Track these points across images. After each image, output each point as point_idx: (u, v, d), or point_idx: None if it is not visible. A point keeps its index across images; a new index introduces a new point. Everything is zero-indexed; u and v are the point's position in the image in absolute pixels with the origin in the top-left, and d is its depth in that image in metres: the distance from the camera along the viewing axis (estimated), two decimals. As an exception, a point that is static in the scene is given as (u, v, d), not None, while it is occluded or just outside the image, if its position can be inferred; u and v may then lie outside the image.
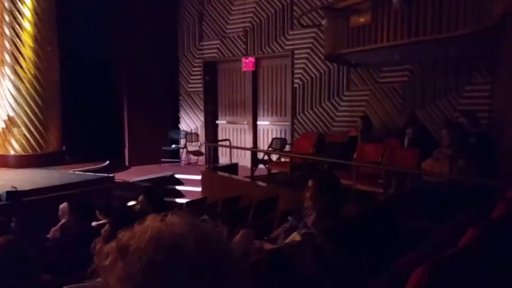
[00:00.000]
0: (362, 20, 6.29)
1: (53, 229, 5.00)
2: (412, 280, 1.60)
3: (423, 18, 5.58)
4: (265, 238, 3.28)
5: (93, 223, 4.92)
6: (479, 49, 6.58)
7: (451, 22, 5.32)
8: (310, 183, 3.24)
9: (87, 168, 9.38)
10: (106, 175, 8.73)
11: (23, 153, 9.54)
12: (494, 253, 2.34)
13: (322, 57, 8.25)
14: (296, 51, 8.96)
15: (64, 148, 10.26)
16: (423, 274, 1.57)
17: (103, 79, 10.73)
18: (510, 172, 4.35)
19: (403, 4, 5.66)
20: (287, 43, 9.09)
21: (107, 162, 9.98)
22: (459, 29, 5.26)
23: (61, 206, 5.32)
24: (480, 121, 6.11)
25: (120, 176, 9.16)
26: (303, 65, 8.90)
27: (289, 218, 3.37)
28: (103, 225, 4.86)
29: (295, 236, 2.89)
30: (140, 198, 4.92)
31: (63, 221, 5.07)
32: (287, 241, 2.97)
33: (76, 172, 8.96)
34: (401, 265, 2.17)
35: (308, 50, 8.80)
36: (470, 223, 2.34)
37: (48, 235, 4.92)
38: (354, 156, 6.51)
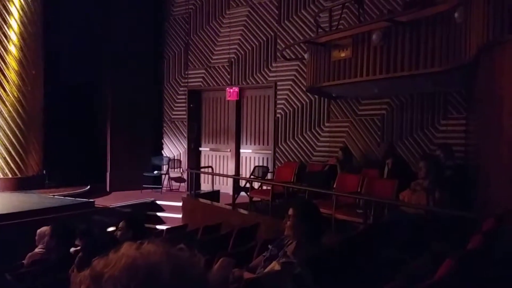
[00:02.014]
0: (342, 55, 6.51)
1: (29, 254, 4.91)
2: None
3: (401, 54, 5.81)
4: (245, 266, 3.31)
5: (72, 249, 4.85)
6: (454, 86, 6.85)
7: (428, 59, 5.54)
8: (290, 211, 3.29)
9: (67, 192, 9.26)
10: (86, 200, 8.63)
11: (2, 176, 9.38)
12: (469, 285, 2.42)
13: (304, 89, 8.45)
14: (279, 83, 9.16)
15: (44, 172, 10.13)
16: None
17: (87, 104, 10.75)
18: (485, 204, 4.48)
19: (382, 41, 5.90)
20: (270, 74, 9.30)
21: (88, 187, 9.88)
22: (435, 66, 5.49)
23: (39, 230, 5.23)
24: (456, 154, 6.30)
25: (100, 202, 9.06)
26: (285, 96, 9.09)
27: (269, 246, 3.41)
28: (81, 250, 4.81)
29: (275, 265, 2.92)
30: (121, 224, 4.89)
31: (40, 246, 4.99)
32: (266, 270, 3.00)
33: (56, 197, 8.83)
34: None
35: (290, 82, 9.01)
36: (446, 255, 2.42)
37: (23, 261, 4.83)
38: (334, 186, 6.61)
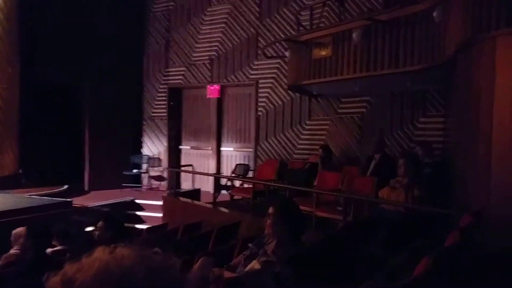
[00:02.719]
0: (323, 53, 6.54)
1: (4, 256, 4.79)
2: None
3: (381, 53, 5.86)
4: (225, 265, 3.28)
5: (48, 250, 4.75)
6: (433, 84, 6.94)
7: (407, 58, 5.61)
8: (270, 210, 3.28)
9: (44, 192, 9.05)
10: (64, 199, 8.45)
11: (-24, 176, 9.15)
12: (447, 281, 2.45)
13: (286, 87, 8.46)
14: (260, 81, 9.15)
15: (20, 171, 9.91)
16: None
17: (64, 101, 10.52)
18: (462, 201, 4.55)
19: (362, 40, 5.94)
20: (251, 72, 9.28)
21: (66, 186, 9.70)
22: (414, 64, 5.55)
23: (15, 231, 5.11)
24: (435, 152, 6.39)
25: (78, 201, 8.90)
26: (267, 94, 9.08)
27: (250, 245, 3.39)
28: (58, 251, 4.72)
29: (255, 264, 2.91)
30: (99, 224, 4.81)
31: (16, 247, 4.87)
32: (247, 269, 2.98)
33: (33, 196, 8.64)
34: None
35: (272, 80, 9.00)
36: (424, 251, 2.44)
37: (-1, 262, 4.70)
38: (315, 183, 6.64)
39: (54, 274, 0.81)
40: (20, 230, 4.96)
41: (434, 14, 5.02)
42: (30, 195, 8.73)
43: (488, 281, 2.94)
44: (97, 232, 4.80)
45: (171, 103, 10.60)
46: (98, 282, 0.74)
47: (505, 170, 3.62)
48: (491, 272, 3.08)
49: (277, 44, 8.69)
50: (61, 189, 9.51)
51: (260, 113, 9.19)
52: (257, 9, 9.19)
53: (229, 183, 7.98)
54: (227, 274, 3.04)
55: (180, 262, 0.88)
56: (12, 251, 4.88)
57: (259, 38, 9.15)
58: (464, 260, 2.71)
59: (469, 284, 2.70)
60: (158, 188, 10.45)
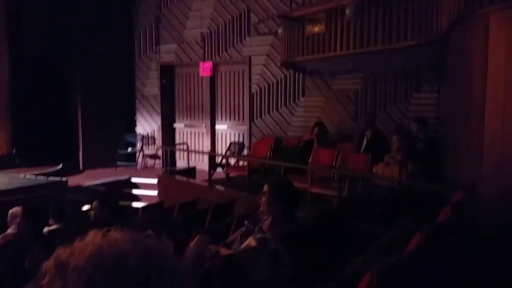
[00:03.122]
0: (316, 29, 6.48)
1: (1, 236, 4.82)
2: (362, 285, 1.69)
3: (374, 29, 5.83)
4: (221, 243, 3.33)
5: (45, 229, 4.79)
6: (426, 60, 6.93)
7: (400, 34, 5.58)
8: (265, 188, 3.31)
9: (38, 172, 9.05)
10: (59, 179, 8.46)
11: (-31, 157, 9.11)
12: (439, 256, 2.51)
13: (279, 64, 8.41)
14: (253, 57, 9.07)
15: (14, 151, 9.87)
16: (372, 280, 1.66)
17: (56, 81, 10.41)
18: (455, 176, 4.61)
19: (356, 16, 5.89)
20: (244, 49, 9.19)
21: (60, 165, 9.68)
22: (407, 40, 5.53)
23: (11, 211, 5.13)
24: (428, 127, 6.43)
25: (73, 180, 8.92)
26: (260, 71, 9.02)
27: (246, 222, 3.43)
28: (54, 231, 4.75)
29: (251, 241, 2.95)
30: (94, 204, 4.84)
31: (13, 226, 4.90)
32: (242, 246, 3.03)
33: (27, 176, 8.64)
34: (351, 269, 2.28)
35: (265, 57, 8.93)
36: (417, 227, 2.49)
37: (-4, 243, 4.73)
38: (309, 160, 6.68)
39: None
40: (16, 210, 4.99)
41: (428, -12, 4.98)
42: (24, 174, 8.73)
43: (479, 255, 3.01)
44: (92, 212, 4.84)
45: (164, 81, 10.52)
46: (91, 265, 0.74)
47: (497, 145, 3.66)
48: (482, 246, 3.15)
49: (269, 20, 8.59)
50: (56, 168, 9.50)
51: (253, 91, 9.16)
52: (249, -16, 9.05)
53: (224, 161, 8.01)
54: (224, 251, 3.09)
55: (174, 245, 0.89)
56: (9, 230, 4.91)
57: (251, 14, 9.03)
58: (456, 235, 2.77)
59: (461, 258, 2.76)
60: (153, 166, 10.46)
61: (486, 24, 3.77)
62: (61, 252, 0.78)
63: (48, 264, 0.78)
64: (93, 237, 0.80)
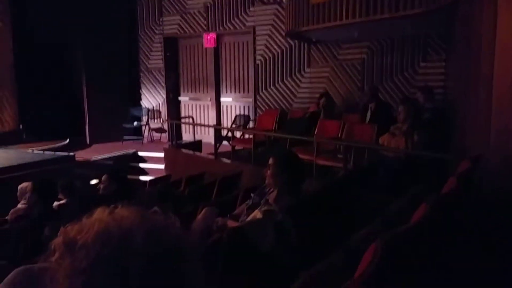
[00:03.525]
0: (322, -3, 6.34)
1: (12, 210, 4.91)
2: (366, 257, 1.71)
3: (381, -4, 5.69)
4: (228, 215, 3.37)
5: (55, 204, 4.86)
6: (434, 28, 6.79)
7: (408, 1, 5.45)
8: (270, 161, 3.33)
9: (46, 147, 9.13)
10: (66, 153, 8.54)
11: (-23, 133, 9.19)
12: (444, 228, 2.52)
13: (284, 34, 8.28)
14: (257, 28, 8.93)
15: (21, 126, 9.93)
16: (376, 252, 1.67)
17: (60, 56, 10.37)
18: (462, 146, 4.59)
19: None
20: (248, 19, 9.04)
21: (67, 140, 9.75)
22: (414, 8, 5.40)
23: (21, 186, 5.21)
24: (435, 97, 6.36)
25: (81, 155, 8.99)
26: (264, 42, 8.90)
27: (252, 195, 3.46)
28: (64, 205, 4.83)
29: (257, 214, 2.98)
30: (104, 177, 4.90)
31: (23, 201, 4.98)
32: (249, 218, 3.06)
33: (35, 151, 8.72)
34: (355, 241, 2.30)
35: (269, 27, 8.79)
36: (423, 197, 2.49)
37: (6, 217, 4.82)
38: (315, 132, 6.66)
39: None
40: (25, 185, 5.06)
41: (437, -47, 4.83)
42: (32, 150, 8.80)
43: (484, 227, 3.02)
44: (101, 186, 4.91)
45: (167, 53, 10.43)
46: (99, 243, 0.76)
47: (505, 115, 3.61)
48: (487, 217, 3.16)
49: (274, -11, 8.42)
50: (63, 143, 9.58)
51: (258, 62, 9.06)
52: (253, -49, 8.83)
53: (229, 134, 8.01)
54: (230, 223, 3.13)
55: (181, 217, 0.90)
56: (19, 205, 5.00)
57: (256, -17, 8.85)
58: (460, 207, 2.77)
59: (466, 230, 2.78)
60: (159, 140, 10.50)
61: (496, -10, 3.67)
62: (69, 230, 0.80)
63: (57, 241, 0.80)
64: (101, 214, 0.81)
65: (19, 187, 5.19)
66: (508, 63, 3.57)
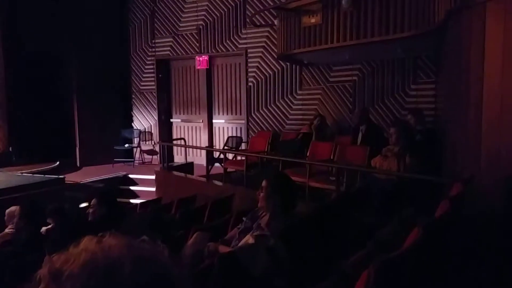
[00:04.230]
0: (313, 20, 6.42)
1: (-1, 235, 4.81)
2: (360, 284, 1.68)
3: (371, 20, 5.77)
4: (220, 239, 3.31)
5: (43, 229, 4.77)
6: (424, 50, 6.89)
7: (397, 25, 5.53)
8: (263, 183, 3.30)
9: (36, 169, 9.02)
10: (56, 176, 8.43)
11: (-35, 155, 9.06)
12: (437, 252, 2.49)
13: (275, 56, 8.35)
14: (249, 50, 9.02)
15: (10, 149, 9.82)
16: (369, 278, 1.64)
17: (52, 78, 10.33)
18: (453, 168, 4.59)
19: (352, 7, 5.83)
20: (240, 41, 9.13)
21: (57, 163, 9.65)
22: (404, 31, 5.49)
23: (8, 210, 5.11)
24: (426, 119, 6.40)
25: (71, 177, 8.89)
26: (256, 64, 8.97)
27: (244, 219, 3.42)
28: (52, 230, 4.73)
29: (249, 238, 2.94)
30: (93, 201, 4.82)
31: (10, 226, 4.89)
32: (241, 243, 3.01)
33: (24, 174, 8.61)
34: (349, 265, 2.26)
35: (261, 49, 8.88)
36: (415, 220, 2.47)
37: (-6, 242, 4.72)
38: (307, 154, 6.66)
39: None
40: (13, 209, 4.97)
41: (425, -22, 4.92)
42: (21, 173, 8.70)
43: (476, 249, 3.00)
44: (91, 210, 4.82)
45: (160, 75, 10.46)
46: (86, 273, 0.74)
47: (495, 137, 3.63)
48: (480, 239, 3.14)
49: (265, 12, 8.52)
50: (53, 166, 9.48)
51: (250, 84, 9.11)
52: (244, -24, 8.97)
53: (222, 156, 7.98)
54: (222, 248, 3.08)
55: (172, 242, 0.88)
56: (7, 230, 4.91)
57: (247, 6, 8.96)
58: (453, 231, 2.75)
59: (459, 253, 2.75)
60: (150, 162, 10.43)
61: (483, 14, 3.73)
62: (55, 259, 0.78)
63: (43, 271, 0.78)
64: (87, 243, 0.79)
65: (7, 211, 5.10)
66: (496, 86, 3.61)
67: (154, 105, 10.55)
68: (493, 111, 3.66)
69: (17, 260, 3.92)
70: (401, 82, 7.45)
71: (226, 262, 2.54)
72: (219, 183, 7.04)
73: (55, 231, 4.61)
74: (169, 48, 10.19)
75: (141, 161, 10.37)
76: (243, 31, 9.08)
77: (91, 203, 4.81)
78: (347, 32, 6.02)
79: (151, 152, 10.52)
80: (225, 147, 8.74)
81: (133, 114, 10.86)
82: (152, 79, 10.51)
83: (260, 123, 9.05)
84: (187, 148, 9.49)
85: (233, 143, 8.85)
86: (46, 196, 6.96)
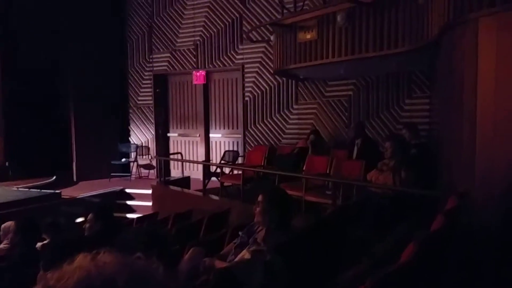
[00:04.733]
0: (308, 36, 6.49)
1: (-5, 250, 4.77)
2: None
3: (366, 35, 5.84)
4: (216, 255, 3.31)
5: (38, 244, 4.73)
6: (418, 65, 6.96)
7: (391, 40, 5.60)
8: (260, 198, 3.30)
9: (32, 184, 9.00)
10: (52, 191, 8.41)
11: (-39, 170, 9.03)
12: (433, 266, 2.50)
13: (272, 71, 8.42)
14: (246, 65, 9.09)
15: (7, 163, 9.79)
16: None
17: (49, 91, 10.34)
18: (449, 182, 4.61)
19: (347, 23, 5.91)
20: (237, 57, 9.21)
21: (54, 177, 9.63)
22: (398, 47, 5.56)
23: (3, 225, 5.08)
24: (420, 133, 6.44)
25: (67, 192, 8.86)
26: (253, 79, 9.04)
27: (240, 233, 3.42)
28: (47, 246, 4.70)
29: (245, 254, 2.93)
30: (89, 217, 4.80)
31: (5, 241, 4.85)
32: (237, 258, 3.01)
33: (20, 189, 8.58)
34: (345, 281, 2.27)
35: (258, 65, 8.95)
36: (411, 235, 2.48)
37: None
38: (304, 168, 6.68)
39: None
40: (9, 224, 4.94)
41: (418, -5, 5.01)
42: (18, 187, 8.67)
43: (473, 264, 3.00)
44: (87, 225, 4.80)
45: (157, 90, 10.52)
46: None
47: (489, 152, 3.66)
48: (476, 254, 3.15)
49: (262, 28, 8.61)
50: (49, 180, 9.45)
51: (247, 98, 9.16)
52: (241, -8, 9.08)
53: (218, 170, 7.98)
54: (218, 264, 3.07)
55: (167, 258, 0.89)
56: (1, 245, 4.87)
57: (244, 22, 9.06)
58: (450, 244, 2.76)
59: (455, 267, 2.76)
60: (147, 176, 10.42)
61: (476, 30, 3.79)
62: (49, 277, 0.78)
63: None
64: (82, 261, 0.79)
65: (2, 226, 5.07)
66: (489, 100, 3.65)
67: (151, 119, 10.58)
68: (487, 126, 3.69)
69: (12, 276, 3.89)
70: (396, 97, 7.51)
71: (222, 278, 2.53)
72: (215, 198, 7.03)
73: (50, 246, 4.58)
74: (166, 63, 10.26)
75: (138, 176, 10.36)
76: (239, 47, 9.17)
77: (88, 218, 4.80)
78: (342, 48, 6.09)
79: (148, 166, 10.52)
80: (222, 161, 8.75)
81: (131, 129, 10.88)
82: (150, 94, 10.56)
83: (256, 137, 9.08)
84: (184, 162, 9.49)
85: (230, 157, 8.86)
86: (42, 211, 6.94)
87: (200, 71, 9.63)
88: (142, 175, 10.46)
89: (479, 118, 3.75)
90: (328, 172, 6.30)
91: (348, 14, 5.93)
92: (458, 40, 4.21)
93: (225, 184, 7.53)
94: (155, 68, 10.43)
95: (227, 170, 8.33)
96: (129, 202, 8.89)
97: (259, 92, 8.99)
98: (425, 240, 2.32)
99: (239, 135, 9.39)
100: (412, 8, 5.30)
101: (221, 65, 9.44)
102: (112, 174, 10.01)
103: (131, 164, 10.40)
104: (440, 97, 5.73)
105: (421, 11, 5.16)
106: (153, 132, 10.55)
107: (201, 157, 9.89)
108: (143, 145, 10.67)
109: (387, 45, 5.67)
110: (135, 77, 10.76)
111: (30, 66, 9.64)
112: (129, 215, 8.20)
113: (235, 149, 9.39)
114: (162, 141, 10.57)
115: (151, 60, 10.47)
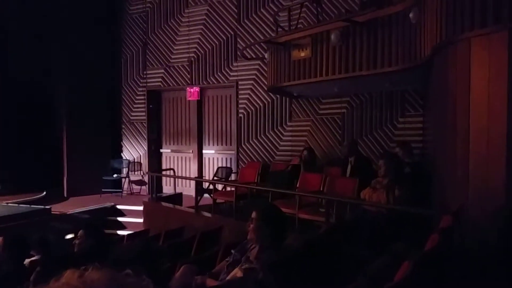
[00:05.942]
0: (302, 54, 6.54)
1: (-19, 267, 4.66)
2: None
3: (359, 54, 5.90)
4: (208, 273, 3.25)
5: (26, 261, 4.64)
6: (411, 84, 7.02)
7: (385, 59, 5.66)
8: (253, 215, 3.26)
9: (21, 199, 8.87)
10: (42, 207, 8.29)
11: (-51, 184, 8.90)
12: (427, 285, 2.47)
13: (266, 88, 8.45)
14: (240, 82, 9.12)
15: (-3, 179, 9.67)
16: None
17: (40, 105, 10.29)
18: (442, 200, 4.61)
19: (341, 41, 5.97)
20: (231, 74, 9.25)
21: (44, 192, 9.51)
22: (391, 66, 5.61)
23: (-9, 241, 4.98)
24: (414, 151, 6.46)
25: (57, 208, 8.74)
26: (247, 96, 9.06)
27: (232, 251, 3.37)
28: (36, 262, 4.61)
29: (237, 272, 2.88)
30: (80, 233, 4.72)
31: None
32: (229, 276, 2.96)
33: (10, 204, 8.45)
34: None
35: (252, 82, 8.99)
36: (406, 254, 2.45)
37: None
38: (297, 185, 6.65)
39: None
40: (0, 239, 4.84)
41: (410, 15, 5.07)
42: (7, 203, 8.54)
43: (468, 281, 2.98)
44: (77, 241, 4.72)
45: (150, 106, 10.50)
46: None
47: (482, 170, 3.67)
48: (471, 272, 3.12)
49: (256, 45, 8.68)
50: (39, 196, 9.33)
51: (241, 115, 9.17)
52: (235, 10, 9.17)
53: (211, 187, 7.93)
54: (210, 282, 3.02)
55: (158, 275, 0.86)
56: (-11, 262, 4.75)
57: (238, 39, 9.13)
58: (444, 263, 2.74)
59: (450, 286, 2.73)
60: (139, 193, 10.33)
61: (468, 50, 3.84)
62: None
63: None
64: (69, 277, 0.77)
65: (-9, 242, 4.96)
66: (482, 119, 3.67)
67: (144, 135, 10.54)
68: (481, 144, 3.71)
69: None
70: (389, 115, 7.55)
71: (214, 297, 2.48)
72: (208, 215, 6.96)
73: (39, 263, 4.49)
74: (160, 79, 10.27)
75: (130, 192, 10.27)
76: (234, 64, 9.21)
77: (78, 235, 4.72)
78: (336, 66, 6.14)
79: (139, 182, 10.43)
80: (215, 178, 8.70)
81: (123, 144, 10.82)
82: (143, 109, 10.54)
83: (250, 154, 9.06)
84: (176, 179, 9.42)
85: (223, 174, 8.82)
86: (32, 227, 6.82)
87: (194, 88, 9.65)
88: (134, 191, 10.36)
89: (472, 136, 3.77)
90: (321, 189, 6.27)
91: (342, 33, 6.00)
92: (451, 60, 4.25)
93: (218, 201, 7.47)
94: (148, 84, 10.44)
95: (220, 186, 8.28)
96: (120, 219, 8.78)
97: (253, 109, 9.01)
98: (420, 258, 2.29)
99: (233, 152, 9.37)
100: (405, 27, 5.37)
101: (215, 82, 9.47)
102: (103, 190, 9.90)
103: (123, 180, 10.31)
104: (433, 116, 5.77)
105: (414, 30, 5.23)
106: (146, 148, 10.50)
107: (194, 174, 9.83)
108: (135, 160, 10.60)
109: (381, 64, 5.72)
110: (129, 93, 10.75)
111: (22, 80, 9.60)
112: (120, 232, 8.10)
113: (228, 165, 9.36)
114: (154, 157, 10.51)
115: (145, 76, 10.48)
